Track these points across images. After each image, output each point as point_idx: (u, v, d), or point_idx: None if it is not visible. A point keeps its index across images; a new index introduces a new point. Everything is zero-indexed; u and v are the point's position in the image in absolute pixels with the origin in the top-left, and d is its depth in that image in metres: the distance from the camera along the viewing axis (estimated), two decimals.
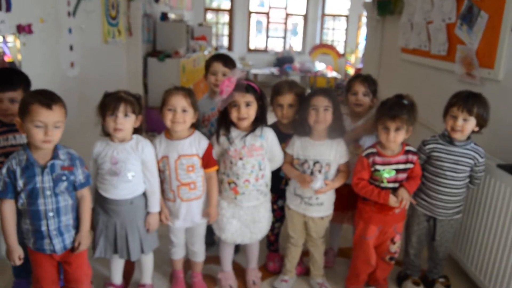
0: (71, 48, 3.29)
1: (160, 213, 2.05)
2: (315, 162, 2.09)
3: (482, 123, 2.05)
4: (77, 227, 1.80)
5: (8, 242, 1.70)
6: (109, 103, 1.84)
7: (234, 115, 2.01)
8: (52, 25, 2.97)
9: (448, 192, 2.14)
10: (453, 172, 2.11)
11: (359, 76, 2.39)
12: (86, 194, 1.82)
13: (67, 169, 1.72)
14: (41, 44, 2.84)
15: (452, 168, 2.10)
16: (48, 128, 1.60)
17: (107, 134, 1.91)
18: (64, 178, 1.71)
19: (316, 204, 2.14)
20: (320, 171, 2.08)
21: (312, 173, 2.09)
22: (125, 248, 1.99)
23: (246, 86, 1.99)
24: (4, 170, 1.65)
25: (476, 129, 2.07)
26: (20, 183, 1.64)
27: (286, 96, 2.21)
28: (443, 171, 2.12)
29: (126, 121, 1.86)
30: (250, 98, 1.99)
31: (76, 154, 1.78)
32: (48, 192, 1.67)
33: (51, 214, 1.69)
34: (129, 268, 2.37)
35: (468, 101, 2.02)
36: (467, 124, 2.04)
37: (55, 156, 1.68)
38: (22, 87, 1.98)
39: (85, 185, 1.79)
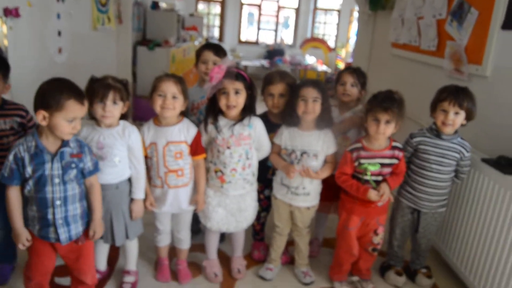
0: (59, 33, 3.26)
1: (145, 200, 2.04)
2: (303, 153, 2.10)
3: (470, 116, 2.08)
4: (84, 217, 1.79)
5: (15, 226, 1.68)
6: (97, 90, 1.82)
7: (223, 102, 2.00)
8: (40, 9, 2.93)
9: (433, 185, 2.17)
10: (438, 165, 2.13)
11: (349, 68, 2.42)
12: (95, 182, 1.81)
13: (76, 156, 1.70)
14: (28, 29, 2.80)
15: (438, 161, 2.13)
16: (76, 121, 1.62)
17: (93, 117, 1.90)
18: (73, 165, 1.69)
19: (302, 194, 2.16)
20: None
21: (298, 163, 2.10)
22: (110, 232, 1.98)
23: (236, 73, 1.98)
24: (11, 157, 1.62)
25: (464, 122, 2.10)
26: (29, 170, 1.61)
27: (277, 85, 2.21)
28: (429, 164, 2.14)
29: (114, 108, 1.85)
30: (239, 86, 1.99)
31: (83, 141, 1.77)
32: (56, 180, 1.65)
33: (58, 202, 1.67)
34: (114, 254, 2.37)
35: (458, 95, 2.05)
36: (458, 118, 2.07)
37: (65, 143, 1.67)
38: (1, 71, 1.95)
39: (93, 173, 1.78)
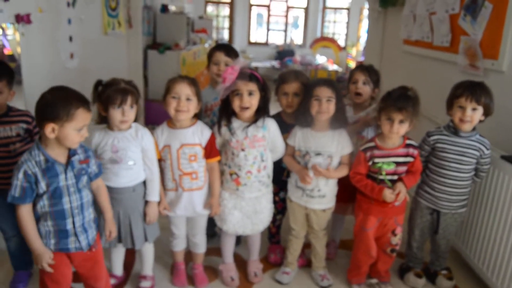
0: (70, 39, 3.27)
1: (159, 203, 2.04)
2: (317, 154, 2.07)
3: (488, 112, 2.03)
4: (96, 221, 1.79)
5: (35, 245, 1.61)
6: (114, 96, 1.81)
7: (236, 104, 1.98)
8: (51, 15, 2.94)
9: (453, 184, 2.12)
10: (458, 163, 2.09)
11: (361, 66, 2.38)
12: (101, 183, 1.82)
13: (84, 162, 1.70)
14: (40, 35, 2.82)
15: (457, 159, 2.08)
16: (84, 129, 1.61)
17: (101, 122, 1.89)
18: (83, 172, 1.69)
19: (318, 196, 2.13)
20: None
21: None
22: (129, 236, 1.98)
23: (250, 74, 1.96)
24: (20, 175, 1.54)
25: (482, 118, 2.05)
26: (43, 185, 1.57)
27: (292, 84, 2.19)
28: (448, 162, 2.10)
29: (132, 112, 1.85)
30: (253, 87, 1.97)
31: (86, 146, 1.77)
32: (72, 189, 1.63)
33: (76, 211, 1.66)
34: (130, 259, 2.36)
35: (475, 90, 2.00)
36: (476, 114, 2.02)
37: (72, 151, 1.65)
38: (6, 78, 1.95)
39: (99, 175, 1.79)
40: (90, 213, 1.74)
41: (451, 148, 2.09)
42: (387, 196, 2.00)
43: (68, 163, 1.62)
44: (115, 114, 1.82)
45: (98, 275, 1.85)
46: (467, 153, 2.08)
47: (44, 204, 1.60)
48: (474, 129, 2.10)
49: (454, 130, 2.10)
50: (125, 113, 1.82)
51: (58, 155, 1.61)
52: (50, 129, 1.53)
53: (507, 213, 2.06)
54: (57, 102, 1.53)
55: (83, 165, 1.68)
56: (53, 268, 1.68)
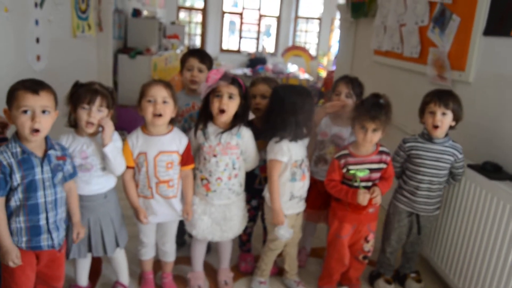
0: (37, 40, 3.17)
1: (137, 213, 1.98)
2: (303, 159, 2.08)
3: (457, 117, 2.11)
4: (66, 221, 1.76)
5: (4, 243, 1.57)
6: (83, 95, 1.75)
7: (215, 105, 1.95)
8: (17, 15, 2.85)
9: (430, 188, 2.18)
10: (434, 169, 2.15)
11: (345, 78, 2.35)
12: (73, 186, 1.79)
13: (61, 158, 1.68)
14: (5, 35, 2.72)
15: (433, 165, 2.14)
16: (36, 113, 1.53)
17: (72, 125, 1.84)
18: (60, 168, 1.66)
19: (303, 199, 2.15)
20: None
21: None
22: (101, 243, 1.92)
23: (232, 78, 1.96)
24: None
25: (453, 123, 2.12)
26: (17, 177, 1.54)
27: (258, 86, 2.21)
28: (425, 168, 2.15)
29: (99, 115, 1.79)
30: (234, 90, 1.95)
31: (63, 144, 1.75)
32: (47, 183, 1.61)
33: (50, 206, 1.63)
34: (96, 268, 2.28)
35: (443, 96, 2.09)
36: (446, 118, 2.08)
37: (50, 146, 1.63)
38: None
39: (73, 176, 1.76)
40: (63, 211, 1.71)
41: (426, 155, 2.15)
42: (361, 196, 1.98)
43: (45, 156, 1.60)
44: (82, 114, 1.76)
45: (59, 276, 1.82)
46: (442, 159, 2.14)
47: (18, 197, 1.57)
48: (446, 135, 2.16)
49: (428, 137, 2.16)
50: (92, 113, 1.76)
51: (35, 148, 1.59)
52: (7, 114, 1.56)
53: (473, 221, 2.11)
54: (10, 88, 1.56)
55: (60, 162, 1.67)
56: (19, 270, 1.63)
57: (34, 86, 1.55)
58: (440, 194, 2.24)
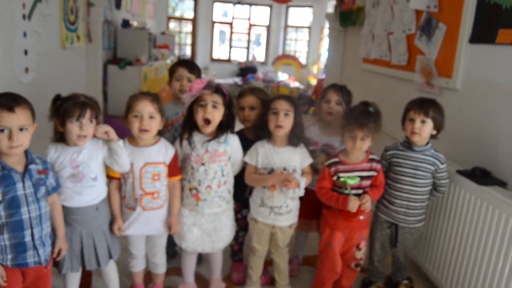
0: (25, 52, 3.14)
1: (113, 223, 1.96)
2: (283, 169, 2.06)
3: (438, 126, 2.11)
4: (51, 236, 1.73)
5: None
6: (72, 109, 1.73)
7: (200, 115, 1.95)
8: (5, 27, 2.83)
9: (409, 198, 2.16)
10: (412, 177, 2.14)
11: (334, 85, 2.37)
12: (56, 199, 1.75)
13: (43, 172, 1.65)
14: None
15: (411, 173, 2.13)
16: (13, 132, 1.50)
17: (58, 139, 1.81)
18: (42, 182, 1.63)
19: (286, 213, 2.10)
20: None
21: None
22: (94, 256, 1.89)
23: (216, 87, 1.96)
24: None
25: (434, 132, 2.12)
26: None
27: (246, 98, 2.21)
28: (403, 176, 2.15)
29: (90, 127, 1.78)
30: (218, 99, 1.95)
31: (45, 158, 1.72)
32: (30, 199, 1.58)
33: (35, 221, 1.60)
34: (86, 281, 2.25)
35: (423, 104, 2.09)
36: (425, 126, 2.08)
37: (30, 160, 1.60)
38: None
39: (56, 189, 1.73)
40: (48, 226, 1.68)
41: (405, 162, 2.15)
42: (352, 202, 1.98)
43: (26, 171, 1.57)
44: (73, 128, 1.74)
45: None
46: (421, 167, 2.13)
47: (0, 215, 1.53)
48: (428, 143, 2.15)
49: (408, 144, 2.16)
50: (83, 127, 1.74)
51: (15, 163, 1.57)
52: None
53: (463, 226, 2.12)
54: None
55: (42, 176, 1.64)
56: None
57: (10, 103, 1.51)
58: (423, 206, 2.21)
